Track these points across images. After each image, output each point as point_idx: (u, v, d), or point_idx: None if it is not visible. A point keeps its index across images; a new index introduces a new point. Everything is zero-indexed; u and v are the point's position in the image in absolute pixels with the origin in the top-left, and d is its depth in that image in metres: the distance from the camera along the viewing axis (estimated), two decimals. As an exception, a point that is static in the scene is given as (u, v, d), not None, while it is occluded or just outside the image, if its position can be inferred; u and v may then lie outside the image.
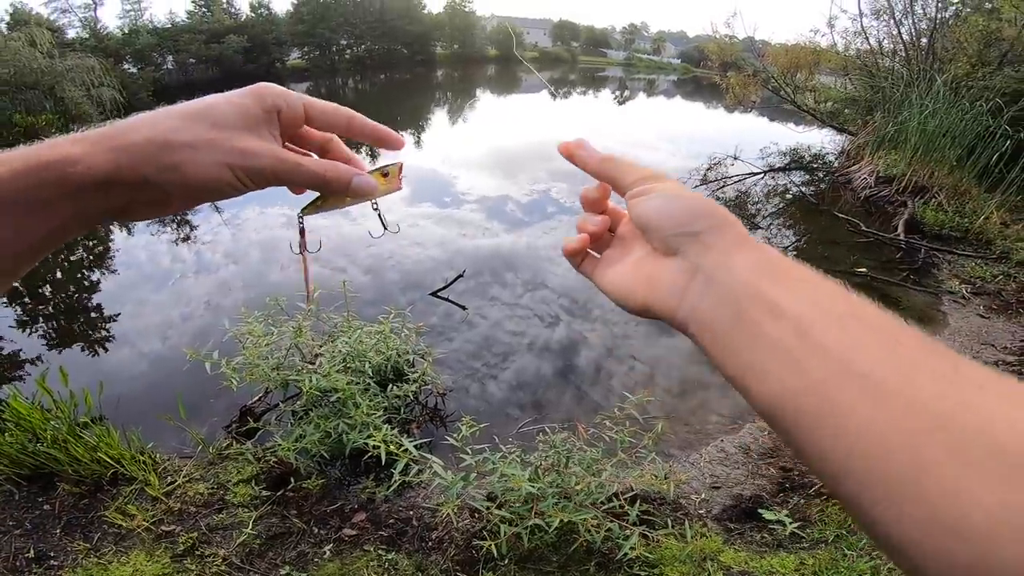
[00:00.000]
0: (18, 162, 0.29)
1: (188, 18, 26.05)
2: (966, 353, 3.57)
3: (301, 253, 0.49)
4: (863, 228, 6.31)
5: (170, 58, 23.17)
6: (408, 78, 28.27)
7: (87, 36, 21.00)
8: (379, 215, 0.50)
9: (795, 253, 6.05)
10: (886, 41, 9.77)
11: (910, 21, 8.92)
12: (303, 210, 0.44)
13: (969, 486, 0.21)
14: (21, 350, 3.50)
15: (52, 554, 1.92)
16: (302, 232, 0.46)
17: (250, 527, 2.02)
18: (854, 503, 0.24)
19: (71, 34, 21.08)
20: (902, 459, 0.23)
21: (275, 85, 0.38)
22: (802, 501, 2.34)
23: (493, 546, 1.86)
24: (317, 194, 0.42)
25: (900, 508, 0.22)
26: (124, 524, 2.01)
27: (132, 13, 24.84)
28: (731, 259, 0.32)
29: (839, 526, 2.18)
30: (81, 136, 0.31)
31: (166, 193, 0.34)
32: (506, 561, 1.95)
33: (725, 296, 0.31)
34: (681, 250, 0.35)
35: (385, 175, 0.43)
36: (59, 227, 0.31)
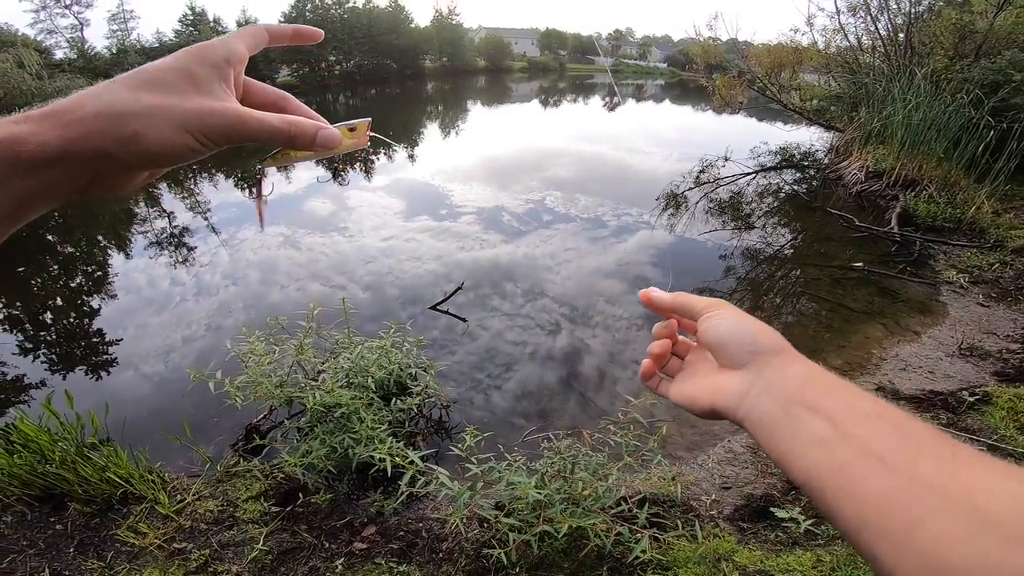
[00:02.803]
0: None
1: (176, 37, 26.17)
2: (970, 342, 3.60)
3: (257, 199, 0.49)
4: (857, 223, 6.37)
5: (159, 77, 23.22)
6: (399, 92, 28.47)
7: (75, 56, 21.06)
8: (336, 169, 0.49)
9: (792, 250, 6.09)
10: (864, 37, 9.93)
11: (886, 16, 9.08)
12: (263, 161, 0.44)
13: (952, 538, 0.28)
14: (25, 375, 3.50)
15: (67, 573, 1.93)
16: (259, 183, 0.46)
17: (261, 543, 2.02)
18: (868, 552, 0.32)
19: (59, 55, 21.17)
20: (903, 517, 0.30)
21: (216, 41, 0.37)
22: (814, 498, 2.34)
23: (503, 554, 1.87)
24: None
25: (900, 555, 0.30)
26: (136, 542, 2.01)
27: (119, 33, 24.96)
28: (784, 373, 0.42)
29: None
30: (22, 116, 0.31)
31: (129, 165, 0.33)
32: (517, 569, 1.96)
33: (777, 400, 0.41)
34: (745, 364, 0.45)
35: (352, 130, 0.43)
36: (22, 204, 0.31)
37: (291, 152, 0.41)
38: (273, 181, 0.41)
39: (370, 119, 0.45)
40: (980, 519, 0.28)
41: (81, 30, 22.99)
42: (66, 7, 22.57)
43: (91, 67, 19.12)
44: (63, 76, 13.77)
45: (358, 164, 10.22)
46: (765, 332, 0.45)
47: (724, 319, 0.48)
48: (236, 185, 8.53)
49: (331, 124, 0.41)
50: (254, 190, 0.48)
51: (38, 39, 20.70)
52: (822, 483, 0.35)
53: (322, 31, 0.45)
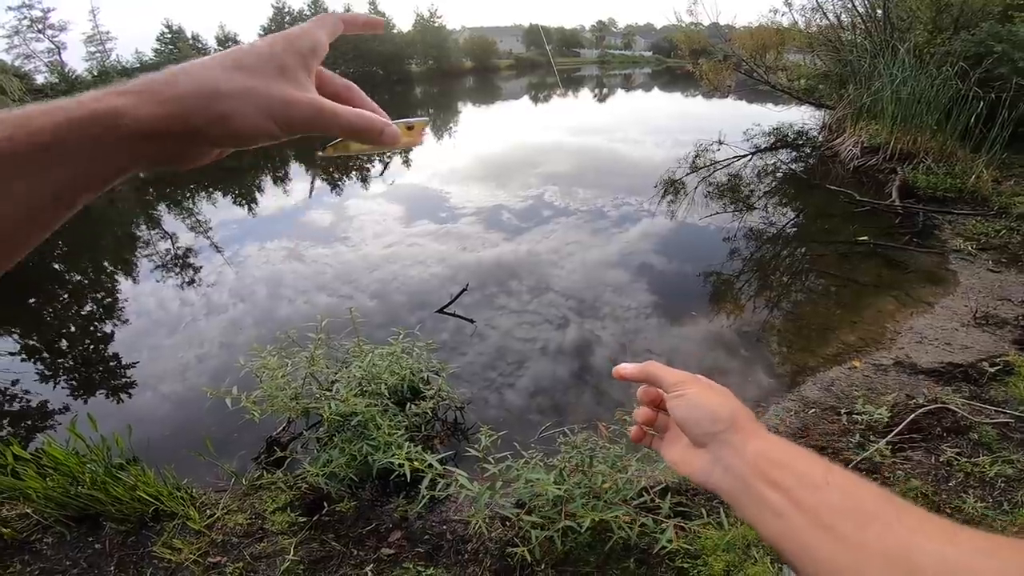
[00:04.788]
0: (68, 112, 0.29)
1: (156, 56, 26.15)
2: (985, 310, 3.58)
3: (311, 182, 0.49)
4: (858, 198, 6.35)
5: (144, 96, 23.17)
6: (387, 98, 28.45)
7: (57, 80, 21.06)
8: (386, 164, 0.50)
9: (795, 229, 6.08)
10: (843, 15, 9.89)
11: (861, -8, 9.04)
12: (324, 149, 0.45)
13: None
14: (48, 401, 3.55)
15: (110, 591, 1.96)
16: (314, 175, 0.47)
17: (292, 553, 2.04)
18: None
19: (40, 79, 21.18)
20: None
21: (301, 29, 0.38)
22: (839, 479, 2.33)
23: (526, 552, 1.88)
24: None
25: None
26: (173, 558, 2.04)
27: (98, 55, 24.95)
28: (740, 452, 0.47)
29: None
30: (124, 88, 0.31)
31: (212, 144, 0.34)
32: (542, 566, 1.96)
33: (737, 477, 0.46)
34: (706, 445, 0.50)
35: (410, 128, 0.44)
36: (109, 177, 0.31)
37: (351, 144, 0.43)
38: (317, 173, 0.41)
39: (427, 119, 0.46)
40: None
41: (59, 53, 23.00)
42: (39, 31, 22.56)
43: (74, 90, 19.18)
44: (47, 101, 13.77)
45: (354, 173, 10.24)
46: (722, 410, 0.50)
47: (684, 401, 0.52)
48: (235, 201, 8.56)
49: (392, 120, 0.42)
50: (311, 173, 0.48)
51: (15, 64, 20.70)
52: (783, 548, 0.41)
53: (381, 20, 0.45)
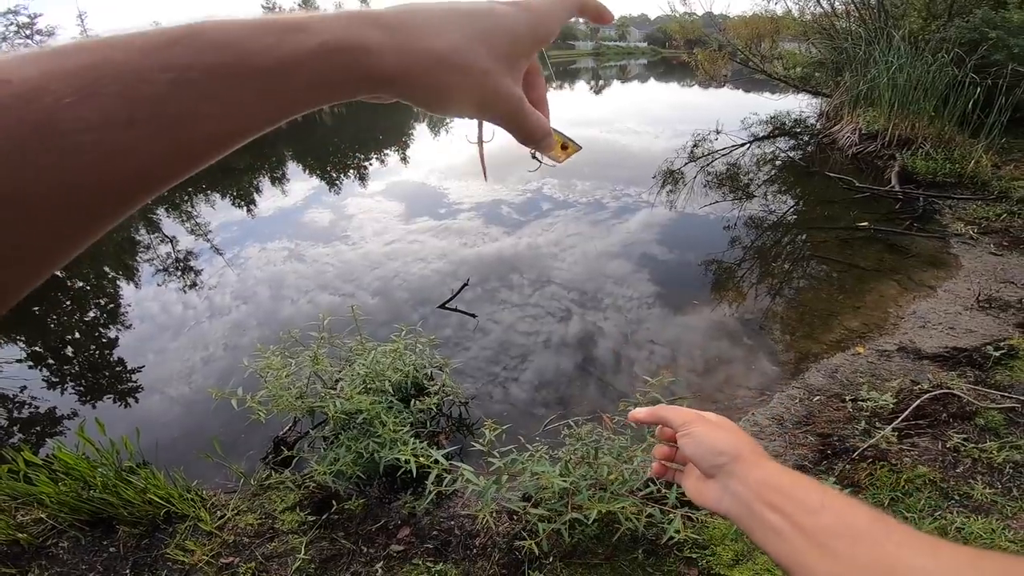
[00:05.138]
0: (323, 38, 0.27)
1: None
2: (988, 293, 3.58)
3: (479, 144, 0.49)
4: (858, 185, 6.33)
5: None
6: (386, 97, 28.35)
7: (48, 81, 21.00)
8: (539, 160, 0.51)
9: (795, 216, 6.07)
10: (837, 2, 9.84)
11: (854, -20, 9.00)
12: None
13: None
14: (56, 407, 3.56)
15: (126, 594, 1.98)
16: (480, 126, 0.47)
17: (303, 552, 2.06)
18: None
19: None
20: None
21: (553, 9, 0.37)
22: (848, 467, 2.33)
23: (534, 545, 1.88)
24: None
25: None
26: (186, 560, 2.05)
27: (87, 60, 24.87)
28: (745, 480, 0.52)
29: (892, 488, 2.17)
30: (372, 18, 0.29)
31: (417, 100, 0.33)
32: (551, 559, 1.98)
33: (743, 503, 0.51)
34: (715, 476, 0.56)
35: (564, 148, 0.45)
36: (333, 100, 0.30)
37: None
38: (493, 128, 0.43)
39: (582, 148, 0.47)
40: None
41: (49, 53, 22.94)
42: (27, 37, 22.44)
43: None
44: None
45: (351, 171, 10.22)
46: (725, 445, 0.56)
47: (691, 439, 0.59)
48: (234, 203, 8.55)
49: (556, 130, 0.43)
50: (475, 136, 0.48)
51: None
52: (785, 565, 0.45)
53: (612, 13, 0.44)
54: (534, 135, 0.39)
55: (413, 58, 0.30)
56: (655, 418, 0.65)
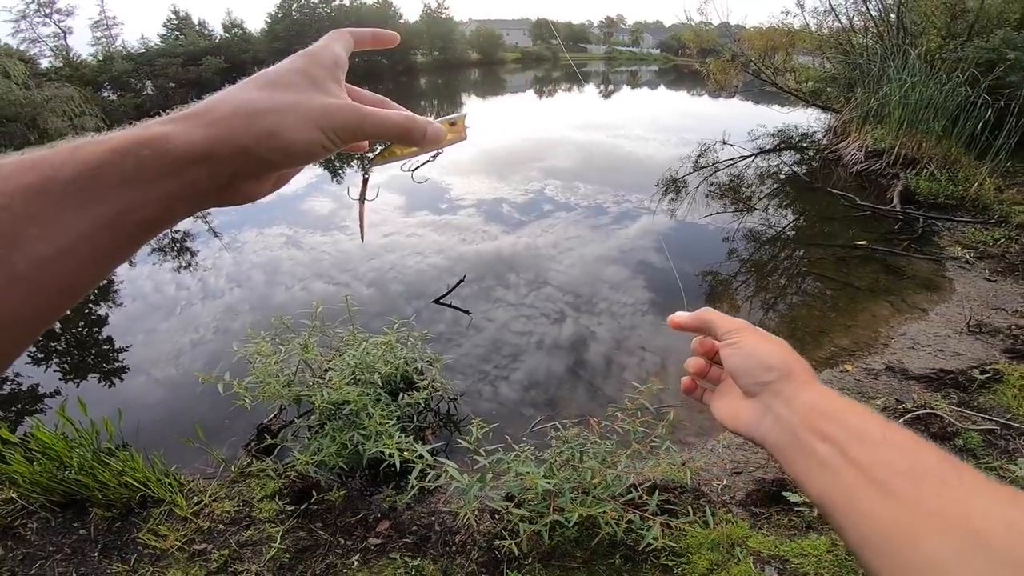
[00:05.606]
0: (116, 141, 0.28)
1: (161, 42, 25.93)
2: (979, 318, 3.58)
3: (360, 200, 0.49)
4: (859, 202, 6.34)
5: (149, 83, 22.83)
6: (391, 88, 28.32)
7: (61, 65, 20.87)
8: (428, 161, 0.51)
9: (794, 231, 6.07)
10: (856, 18, 9.86)
11: (875, -3, 9.01)
12: (371, 161, 0.45)
13: (946, 560, 0.31)
14: (39, 384, 3.54)
15: (94, 577, 1.96)
16: (365, 182, 0.47)
17: (278, 542, 2.05)
18: (868, 568, 0.35)
19: (44, 64, 21.00)
20: (901, 540, 0.33)
21: (318, 47, 0.39)
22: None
23: (514, 545, 1.88)
24: (378, 148, 0.43)
25: (896, 573, 0.33)
26: (158, 545, 2.04)
27: (104, 40, 24.75)
28: (792, 403, 0.45)
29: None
30: (168, 117, 0.31)
31: (265, 163, 0.34)
32: (529, 560, 1.97)
33: (787, 428, 0.44)
34: (757, 395, 0.49)
35: (452, 124, 0.45)
36: (167, 207, 0.30)
37: (396, 150, 0.43)
38: (377, 185, 0.43)
39: (466, 113, 0.47)
40: (975, 543, 0.31)
41: (64, 38, 22.79)
42: (46, 16, 22.41)
43: (78, 75, 18.96)
44: (51, 85, 13.67)
45: (354, 163, 10.19)
46: (775, 359, 0.49)
47: (737, 349, 0.51)
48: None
49: (434, 120, 0.42)
50: (357, 193, 0.48)
51: (21, 48, 20.53)
52: (831, 505, 0.39)
53: (398, 35, 0.46)
54: (409, 126, 0.39)
55: (219, 125, 0.31)
56: (699, 322, 0.57)
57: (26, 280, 0.24)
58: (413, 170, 0.52)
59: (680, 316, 0.58)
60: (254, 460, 2.54)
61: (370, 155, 0.45)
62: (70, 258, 0.26)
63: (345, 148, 0.38)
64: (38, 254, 0.25)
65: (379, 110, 0.38)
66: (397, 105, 0.43)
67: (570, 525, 1.86)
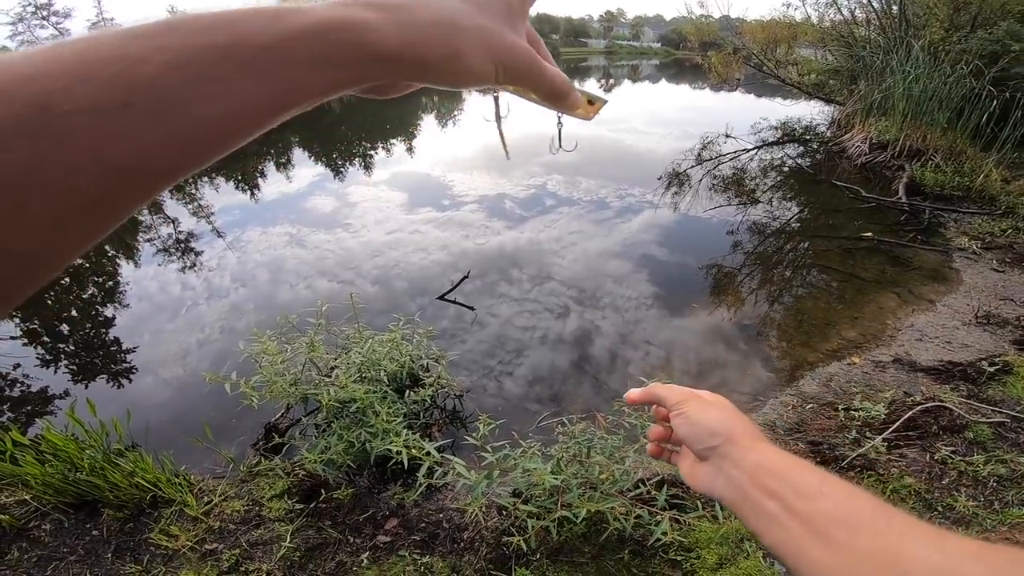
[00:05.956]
0: (317, 16, 0.27)
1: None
2: (987, 310, 3.57)
3: (496, 120, 0.49)
4: (864, 195, 6.30)
5: (146, 84, 22.96)
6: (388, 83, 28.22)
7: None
8: (560, 130, 0.51)
9: (799, 224, 6.04)
10: (858, 11, 9.78)
11: (878, -12, 8.93)
12: (502, 88, 0.43)
13: None
14: (48, 386, 3.55)
15: (109, 578, 1.98)
16: (496, 102, 0.47)
17: (288, 540, 2.06)
18: None
19: None
20: None
21: None
22: (836, 474, 2.34)
23: (522, 541, 1.89)
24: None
25: None
26: (170, 545, 2.05)
27: (101, 42, 24.78)
28: (740, 463, 0.50)
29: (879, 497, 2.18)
30: (370, 1, 0.29)
31: (431, 79, 0.32)
32: (538, 556, 1.98)
33: (737, 487, 0.49)
34: (708, 459, 0.54)
35: (591, 103, 0.44)
36: (334, 88, 0.29)
37: (532, 93, 0.42)
38: (508, 103, 0.42)
39: (608, 101, 0.46)
40: None
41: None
42: (43, 18, 22.45)
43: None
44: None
45: (357, 160, 10.19)
46: (719, 425, 0.54)
47: (684, 420, 0.57)
48: (238, 187, 8.53)
49: (577, 87, 0.42)
50: (493, 111, 0.48)
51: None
52: (783, 555, 0.43)
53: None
54: (559, 87, 0.38)
55: (416, 29, 0.30)
56: (650, 397, 0.63)
57: (187, 136, 0.24)
58: (559, 147, 0.53)
59: (633, 393, 0.65)
60: (262, 459, 2.54)
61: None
62: (235, 121, 0.25)
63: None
64: (207, 113, 0.24)
65: (546, 64, 0.37)
66: (548, 52, 0.42)
67: (578, 521, 1.86)
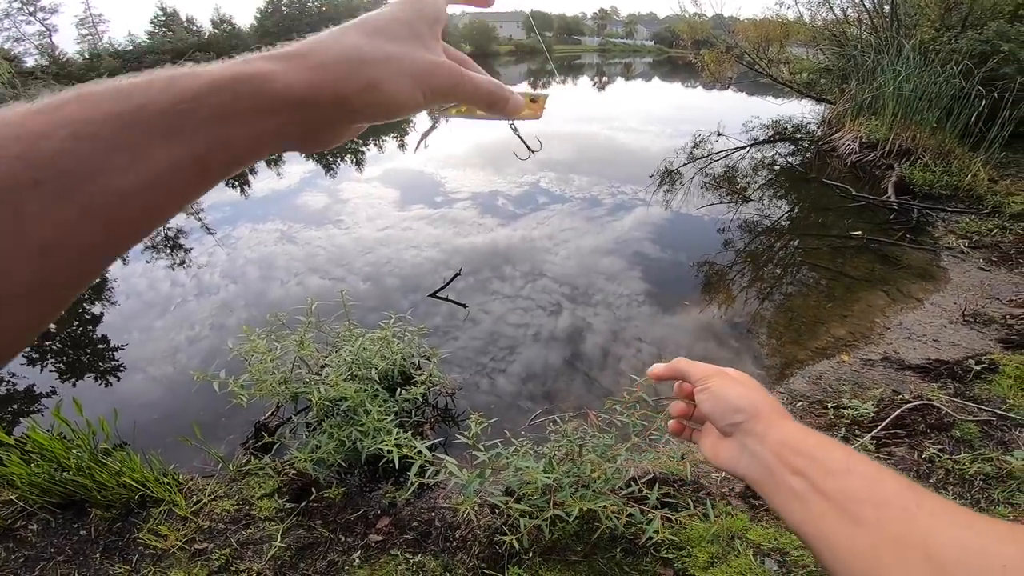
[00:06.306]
0: (215, 74, 0.27)
1: (149, 38, 25.57)
2: (973, 308, 3.60)
3: (422, 138, 0.48)
4: (854, 193, 6.35)
5: (136, 80, 22.70)
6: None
7: (47, 63, 20.62)
8: (519, 136, 0.50)
9: (789, 221, 6.08)
10: (850, 10, 9.84)
11: (870, -12, 8.98)
12: (445, 110, 0.45)
13: None
14: (34, 384, 3.50)
15: (97, 578, 1.95)
16: (431, 129, 0.46)
17: (279, 540, 2.04)
18: None
19: (30, 62, 20.67)
20: (866, 563, 0.36)
21: None
22: (824, 473, 2.36)
23: (514, 540, 1.88)
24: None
25: None
26: (159, 545, 2.03)
27: (90, 37, 24.42)
28: (764, 440, 0.49)
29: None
30: (270, 54, 0.30)
31: (358, 114, 0.32)
32: (530, 554, 1.97)
33: (762, 464, 0.48)
34: (732, 435, 0.53)
35: (533, 101, 0.44)
36: (257, 146, 0.29)
37: (474, 109, 0.42)
38: (436, 126, 0.42)
39: (549, 95, 0.46)
40: (931, 566, 0.34)
41: (50, 36, 22.49)
42: (30, 14, 22.09)
43: (65, 73, 18.71)
44: (37, 84, 13.51)
45: (348, 156, 10.12)
46: (743, 401, 0.53)
47: (709, 395, 0.56)
48: (227, 183, 8.45)
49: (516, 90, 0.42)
50: (426, 129, 0.47)
51: (5, 47, 20.19)
52: (806, 534, 0.42)
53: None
54: (495, 93, 0.38)
55: (323, 70, 0.30)
56: (674, 372, 0.62)
57: (105, 210, 0.23)
58: (526, 156, 0.52)
59: (657, 368, 0.64)
60: (252, 458, 2.52)
61: (445, 105, 0.44)
62: (152, 191, 0.25)
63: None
64: (120, 186, 0.24)
65: (474, 75, 0.37)
66: (478, 66, 0.42)
67: (570, 519, 1.86)
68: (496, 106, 0.39)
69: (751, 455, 0.50)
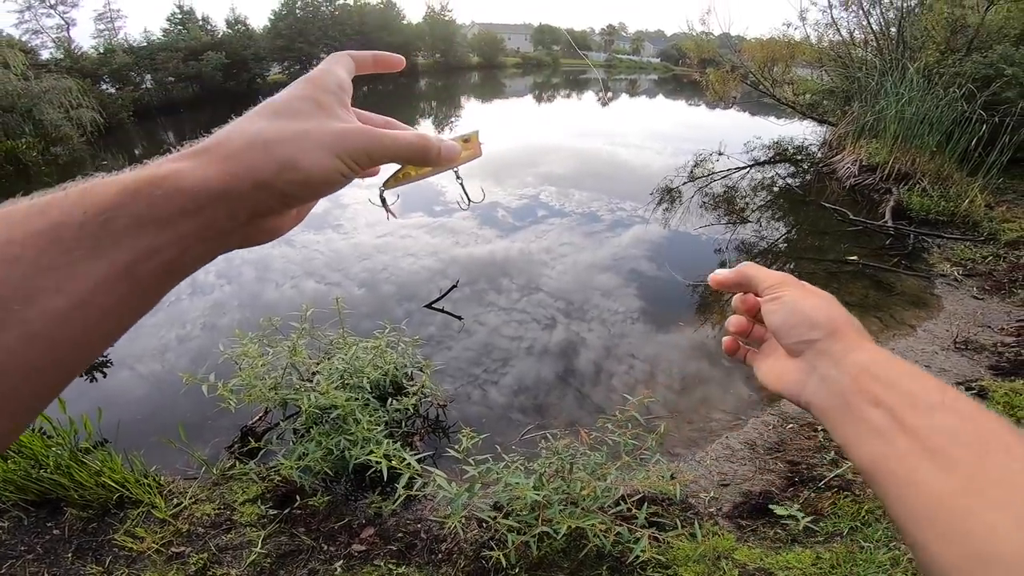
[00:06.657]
0: (126, 181, 0.27)
1: (164, 36, 25.73)
2: (965, 336, 3.61)
3: (388, 214, 0.49)
4: (851, 217, 6.38)
5: (148, 77, 22.77)
6: (391, 89, 28.28)
7: (62, 57, 20.70)
8: (462, 184, 0.50)
9: (786, 244, 6.10)
10: (857, 31, 9.97)
11: (878, 11, 9.10)
12: (385, 184, 0.44)
13: (1004, 530, 0.28)
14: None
15: (66, 579, 1.91)
16: (384, 202, 0.47)
17: (259, 546, 2.01)
18: (914, 539, 0.32)
19: (45, 55, 20.75)
20: (958, 510, 0.31)
21: (320, 71, 0.37)
22: (812, 495, 2.34)
23: (501, 556, 1.86)
24: (393, 168, 0.42)
25: (947, 545, 0.30)
26: (134, 547, 2.00)
27: (106, 32, 24.56)
28: (841, 363, 0.42)
29: (853, 518, 2.18)
30: (180, 154, 0.30)
31: (286, 197, 0.32)
32: (516, 570, 1.95)
33: (835, 391, 0.41)
34: (801, 354, 0.45)
35: (466, 141, 0.44)
36: (185, 248, 0.28)
37: (411, 171, 0.42)
38: (398, 193, 0.42)
39: (478, 130, 0.45)
40: None
41: (67, 30, 22.61)
42: (51, 7, 22.25)
43: (78, 67, 18.77)
44: (49, 76, 13.57)
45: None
46: (819, 315, 0.45)
47: (780, 305, 0.47)
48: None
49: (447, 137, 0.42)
50: (385, 208, 0.47)
51: (23, 39, 20.28)
52: (881, 473, 0.35)
53: (403, 59, 0.45)
54: (420, 145, 0.38)
55: (233, 160, 0.30)
56: (740, 277, 0.53)
57: (43, 337, 0.23)
58: (466, 203, 0.52)
59: (720, 273, 0.54)
60: (237, 463, 2.49)
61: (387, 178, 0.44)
62: (88, 310, 0.24)
63: (361, 174, 0.37)
64: (54, 308, 0.23)
65: (392, 131, 0.36)
66: (405, 125, 0.42)
67: (558, 536, 1.84)
68: (429, 156, 0.38)
69: (821, 379, 0.42)
